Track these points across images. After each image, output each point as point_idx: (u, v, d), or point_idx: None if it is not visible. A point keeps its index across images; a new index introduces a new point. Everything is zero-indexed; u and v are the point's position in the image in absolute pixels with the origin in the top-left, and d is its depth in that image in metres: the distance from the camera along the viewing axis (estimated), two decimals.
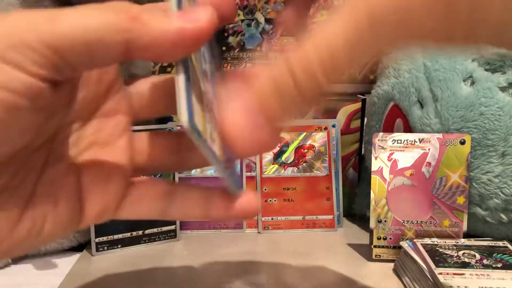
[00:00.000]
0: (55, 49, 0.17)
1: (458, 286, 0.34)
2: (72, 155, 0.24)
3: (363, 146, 0.59)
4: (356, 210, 0.57)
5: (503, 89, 0.43)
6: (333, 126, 0.55)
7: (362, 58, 0.19)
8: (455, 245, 0.41)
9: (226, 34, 0.60)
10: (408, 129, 0.48)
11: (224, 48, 0.61)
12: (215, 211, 0.24)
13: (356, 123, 0.57)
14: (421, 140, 0.43)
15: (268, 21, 0.60)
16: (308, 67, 0.19)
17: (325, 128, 0.55)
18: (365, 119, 0.58)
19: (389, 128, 0.51)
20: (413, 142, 0.43)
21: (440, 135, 0.43)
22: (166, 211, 0.25)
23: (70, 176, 0.23)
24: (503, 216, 0.43)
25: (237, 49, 0.61)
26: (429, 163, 0.43)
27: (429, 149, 0.43)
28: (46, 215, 0.22)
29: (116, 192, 0.24)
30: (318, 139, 0.54)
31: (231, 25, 0.60)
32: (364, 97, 0.58)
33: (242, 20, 0.60)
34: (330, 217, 0.53)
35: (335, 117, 0.57)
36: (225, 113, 0.21)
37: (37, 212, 0.22)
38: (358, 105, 0.57)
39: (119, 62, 0.22)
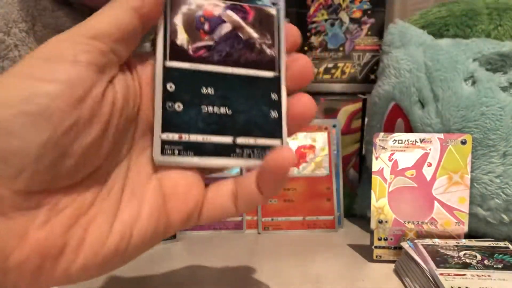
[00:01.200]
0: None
1: (459, 287, 0.34)
2: (151, 165, 0.25)
3: (363, 146, 0.58)
4: (356, 210, 0.57)
5: (504, 89, 0.43)
6: (334, 126, 0.55)
7: None
8: (456, 246, 0.40)
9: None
10: (409, 129, 0.48)
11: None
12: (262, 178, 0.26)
13: (356, 123, 0.57)
14: (422, 140, 0.43)
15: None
16: None
17: (326, 128, 0.54)
18: (366, 119, 0.58)
19: (390, 128, 0.51)
20: (414, 142, 0.43)
21: (441, 135, 0.43)
22: (237, 206, 0.26)
23: (151, 185, 0.24)
24: (504, 216, 0.43)
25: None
26: (430, 163, 0.43)
27: (430, 149, 0.43)
28: (133, 226, 0.23)
29: (197, 197, 0.25)
30: (318, 139, 0.54)
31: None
32: (365, 97, 0.58)
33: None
34: (331, 217, 0.53)
35: (335, 117, 0.57)
36: None
37: (124, 224, 0.23)
38: (358, 105, 0.57)
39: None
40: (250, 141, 0.26)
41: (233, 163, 0.26)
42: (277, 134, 0.27)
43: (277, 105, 0.27)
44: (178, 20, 0.25)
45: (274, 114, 0.27)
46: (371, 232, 0.44)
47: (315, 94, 0.58)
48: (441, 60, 0.46)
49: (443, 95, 0.44)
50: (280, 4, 0.28)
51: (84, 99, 0.21)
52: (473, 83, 0.44)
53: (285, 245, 0.50)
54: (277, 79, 0.27)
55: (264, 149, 0.26)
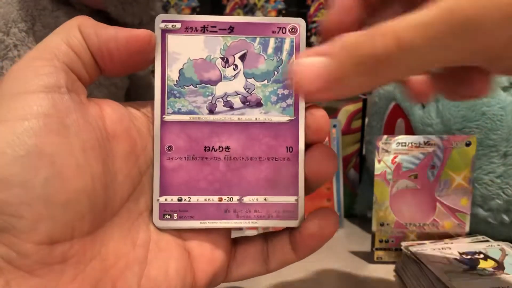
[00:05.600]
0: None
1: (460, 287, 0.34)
2: None
3: (364, 146, 0.58)
4: (357, 210, 0.57)
5: (505, 89, 0.43)
6: (334, 126, 0.55)
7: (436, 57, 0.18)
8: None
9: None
10: (410, 129, 0.47)
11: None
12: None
13: (357, 123, 0.57)
14: (426, 143, 0.43)
15: None
16: (385, 37, 0.17)
17: None
18: (366, 119, 0.58)
19: (390, 128, 0.51)
20: (417, 145, 0.43)
21: (445, 137, 0.42)
22: (267, 265, 0.25)
23: (176, 242, 0.23)
24: (505, 217, 0.43)
25: None
26: (434, 166, 0.43)
27: (433, 152, 0.43)
28: (160, 284, 0.22)
29: (224, 257, 0.24)
30: None
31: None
32: (365, 97, 0.58)
33: None
34: None
35: (336, 117, 0.56)
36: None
37: (152, 282, 0.22)
38: (359, 105, 0.57)
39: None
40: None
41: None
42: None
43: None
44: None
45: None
46: (372, 234, 0.44)
47: None
48: None
49: None
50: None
51: (67, 125, 0.19)
52: None
53: None
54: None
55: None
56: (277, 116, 0.23)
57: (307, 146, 0.24)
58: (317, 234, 0.23)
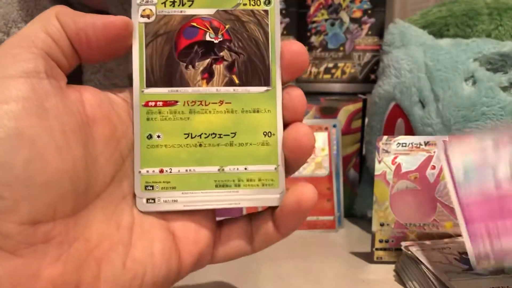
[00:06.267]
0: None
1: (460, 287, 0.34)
2: None
3: (364, 146, 0.58)
4: (357, 210, 0.57)
5: (504, 88, 0.43)
6: (334, 126, 0.55)
7: None
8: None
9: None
10: (410, 129, 0.47)
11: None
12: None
13: (357, 123, 0.57)
14: (426, 143, 0.43)
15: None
16: None
17: (326, 128, 0.54)
18: (366, 119, 0.58)
19: (390, 128, 0.51)
20: (418, 145, 0.43)
21: (446, 138, 0.42)
22: (252, 244, 0.26)
23: (160, 224, 0.24)
24: None
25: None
26: (434, 166, 0.43)
27: (434, 152, 0.43)
28: (146, 265, 0.22)
29: (208, 238, 0.25)
30: (318, 139, 0.54)
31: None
32: (365, 97, 0.58)
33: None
34: (331, 218, 0.53)
35: (335, 117, 0.56)
36: None
37: (137, 262, 0.22)
38: (359, 105, 0.57)
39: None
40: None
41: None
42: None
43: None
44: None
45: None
46: (372, 234, 0.44)
47: (315, 94, 0.58)
48: (441, 60, 0.46)
49: (444, 95, 0.44)
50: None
51: (46, 108, 0.20)
52: (474, 83, 0.44)
53: (285, 245, 0.50)
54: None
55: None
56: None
57: (285, 126, 0.25)
58: (296, 210, 0.24)
